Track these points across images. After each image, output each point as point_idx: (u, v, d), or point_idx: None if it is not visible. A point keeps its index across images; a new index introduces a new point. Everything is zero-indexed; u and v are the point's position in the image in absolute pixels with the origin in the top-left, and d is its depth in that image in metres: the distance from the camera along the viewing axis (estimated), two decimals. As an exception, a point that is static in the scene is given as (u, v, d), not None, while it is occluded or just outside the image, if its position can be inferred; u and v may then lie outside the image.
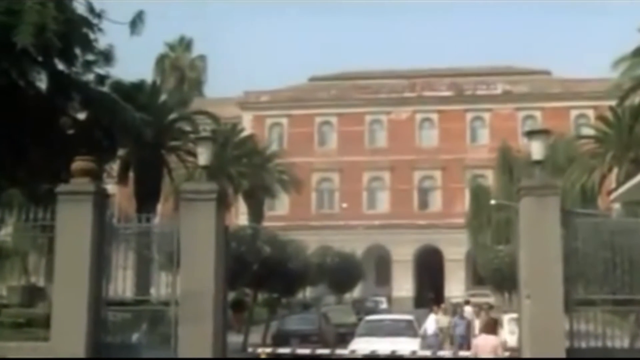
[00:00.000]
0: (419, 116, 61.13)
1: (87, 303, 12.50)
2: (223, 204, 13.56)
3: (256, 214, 43.58)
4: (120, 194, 38.33)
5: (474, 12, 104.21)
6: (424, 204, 60.19)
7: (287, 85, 63.60)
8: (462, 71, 62.38)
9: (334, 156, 60.49)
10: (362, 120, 61.20)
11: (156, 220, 15.88)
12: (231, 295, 25.62)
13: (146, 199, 30.26)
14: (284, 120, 61.99)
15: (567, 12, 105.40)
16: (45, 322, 13.53)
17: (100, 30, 17.79)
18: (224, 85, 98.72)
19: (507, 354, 12.34)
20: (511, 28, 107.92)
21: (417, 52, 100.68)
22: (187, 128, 33.11)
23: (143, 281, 13.89)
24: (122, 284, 13.11)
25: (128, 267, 13.20)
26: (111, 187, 21.61)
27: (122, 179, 32.09)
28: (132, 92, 21.91)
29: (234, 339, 21.79)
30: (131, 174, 32.31)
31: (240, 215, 49.27)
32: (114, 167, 27.74)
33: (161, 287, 13.05)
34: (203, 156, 13.83)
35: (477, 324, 21.39)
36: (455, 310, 23.55)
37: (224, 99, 59.41)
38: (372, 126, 61.68)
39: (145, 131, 20.12)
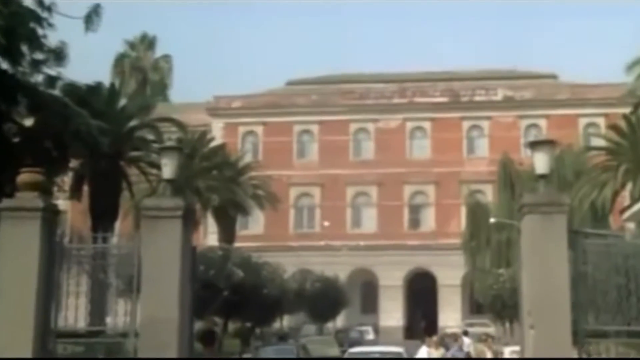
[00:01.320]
0: (409, 124, 61.35)
1: (33, 334, 12.30)
2: (190, 222, 13.44)
3: (227, 233, 43.36)
4: (72, 210, 38.09)
5: (471, 11, 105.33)
6: (415, 223, 60.32)
7: (262, 90, 63.64)
8: (458, 75, 62.68)
9: (314, 169, 60.56)
10: (347, 129, 61.35)
11: (114, 240, 15.73)
12: (198, 325, 25.42)
13: (102, 216, 29.99)
14: (259, 129, 62.01)
15: (574, 11, 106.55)
16: (-15, 357, 13.26)
17: (50, 25, 17.62)
18: (191, 88, 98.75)
19: None
20: (513, 28, 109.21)
21: (408, 54, 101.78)
22: (150, 137, 32.93)
23: (98, 309, 13.70)
24: (74, 313, 12.90)
25: (81, 294, 13.02)
26: (62, 203, 21.42)
27: (75, 194, 31.80)
28: (87, 95, 21.76)
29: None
30: (85, 188, 32.04)
31: (209, 235, 49.03)
32: (66, 180, 27.53)
33: (119, 316, 12.87)
34: (167, 168, 13.72)
35: (489, 355, 21.49)
36: (443, 341, 23.50)
37: (192, 104, 59.33)
38: (357, 136, 61.82)
39: (101, 140, 19.96)
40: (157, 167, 26.24)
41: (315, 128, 61.85)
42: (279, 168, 56.70)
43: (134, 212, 32.54)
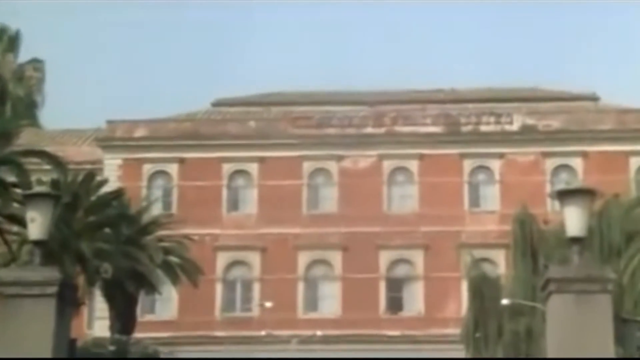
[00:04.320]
0: (388, 164, 61.57)
1: None
2: (68, 302, 13.30)
3: (124, 318, 42.80)
4: None
5: (475, 10, 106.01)
6: (396, 304, 60.30)
7: (177, 113, 63.69)
8: (459, 95, 63.49)
9: (252, 226, 60.47)
10: (299, 169, 61.43)
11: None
12: None
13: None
14: (173, 168, 61.90)
15: (619, 17, 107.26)
16: None
17: None
18: (74, 109, 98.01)
19: None
20: (532, 33, 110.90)
21: (388, 65, 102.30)
22: (10, 178, 32.57)
23: None
24: None
25: None
26: None
27: None
28: None
29: None
30: None
31: (96, 322, 48.39)
32: None
33: None
34: (36, 225, 13.65)
35: None
36: None
37: (74, 131, 59.53)
38: (313, 179, 61.99)
39: None
40: (21, 222, 25.82)
41: (253, 168, 61.73)
42: (202, 224, 56.56)
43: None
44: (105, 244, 39.91)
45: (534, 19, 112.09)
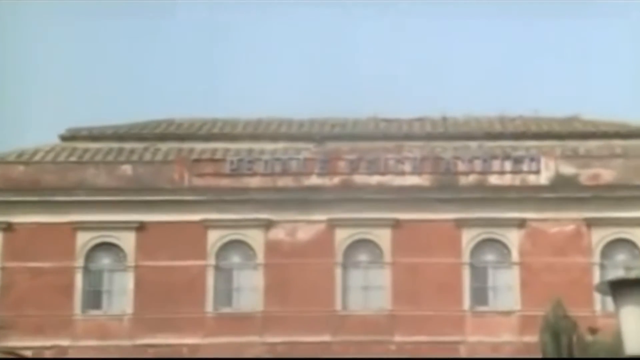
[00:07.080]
0: (344, 235, 60.26)
1: None
2: None
3: None
4: None
5: (488, 9, 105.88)
6: None
7: (4, 151, 62.93)
8: (454, 127, 64.08)
9: (123, 334, 58.87)
10: (201, 241, 59.98)
11: None
12: None
13: None
14: (-4, 240, 60.84)
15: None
16: None
17: None
18: None
19: None
20: (576, 43, 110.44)
21: (347, 81, 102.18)
22: None
23: None
24: None
25: None
26: None
27: None
28: None
29: None
30: None
31: None
32: None
33: None
34: None
35: None
36: None
37: None
38: (225, 257, 60.51)
39: None
40: None
41: (127, 240, 60.02)
42: (41, 332, 56.32)
43: None
44: None
45: (571, 18, 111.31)
